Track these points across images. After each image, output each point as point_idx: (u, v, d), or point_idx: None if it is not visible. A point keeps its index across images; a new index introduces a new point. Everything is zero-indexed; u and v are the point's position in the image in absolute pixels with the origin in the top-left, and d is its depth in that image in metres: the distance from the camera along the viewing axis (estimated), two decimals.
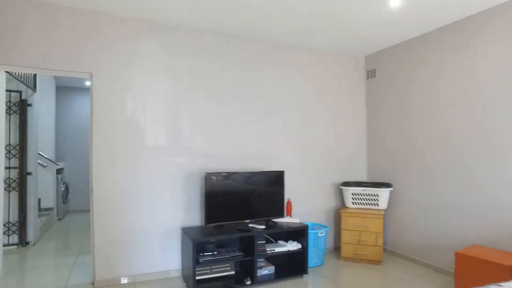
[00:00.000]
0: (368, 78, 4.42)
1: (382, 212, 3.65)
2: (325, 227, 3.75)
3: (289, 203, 3.65)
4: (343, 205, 4.25)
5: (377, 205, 3.83)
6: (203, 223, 3.41)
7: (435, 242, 3.46)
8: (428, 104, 3.54)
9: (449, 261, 3.30)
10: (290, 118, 3.94)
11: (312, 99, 4.08)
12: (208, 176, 3.13)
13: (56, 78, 6.02)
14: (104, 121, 3.05)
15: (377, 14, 3.10)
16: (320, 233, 3.60)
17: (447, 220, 3.34)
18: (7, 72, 3.45)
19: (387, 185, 3.84)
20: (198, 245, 3.08)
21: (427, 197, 3.56)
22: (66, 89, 6.69)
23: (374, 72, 4.30)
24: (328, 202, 4.18)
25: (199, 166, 3.43)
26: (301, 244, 3.39)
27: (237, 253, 3.09)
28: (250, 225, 3.28)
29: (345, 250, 3.76)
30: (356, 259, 3.73)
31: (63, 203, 6.10)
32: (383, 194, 3.81)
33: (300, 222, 3.48)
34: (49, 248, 4.23)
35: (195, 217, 3.40)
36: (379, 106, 4.22)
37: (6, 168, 4.16)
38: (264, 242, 3.16)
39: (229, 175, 3.25)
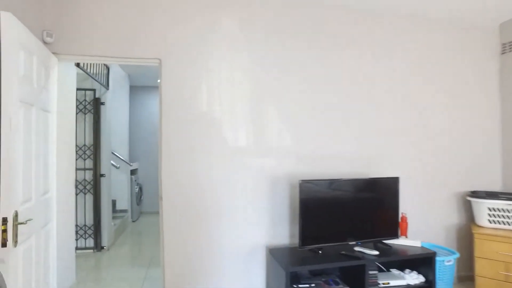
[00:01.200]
0: (503, 53, 3.30)
1: None
2: (452, 252, 2.81)
3: (403, 219, 2.77)
4: (470, 221, 3.20)
5: None
6: (293, 242, 2.73)
7: None
8: None
9: None
10: (396, 111, 3.05)
11: (422, 85, 3.13)
12: (303, 185, 2.42)
13: (130, 77, 5.94)
14: (174, 116, 2.56)
15: None
16: (447, 262, 2.67)
17: None
18: (78, 66, 3.20)
19: None
20: (292, 274, 2.40)
21: None
22: (140, 88, 6.63)
23: None
24: (448, 218, 3.18)
25: (286, 170, 2.75)
26: (425, 277, 2.51)
27: (341, 286, 2.34)
28: (356, 248, 2.50)
29: (482, 286, 2.75)
30: None
31: (137, 204, 5.99)
32: None
33: (422, 247, 2.60)
34: (121, 256, 4.00)
35: (283, 234, 2.73)
36: None
37: (81, 169, 4.03)
38: (376, 272, 2.36)
39: (330, 183, 2.50)
